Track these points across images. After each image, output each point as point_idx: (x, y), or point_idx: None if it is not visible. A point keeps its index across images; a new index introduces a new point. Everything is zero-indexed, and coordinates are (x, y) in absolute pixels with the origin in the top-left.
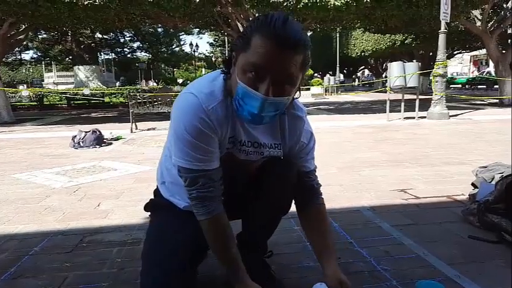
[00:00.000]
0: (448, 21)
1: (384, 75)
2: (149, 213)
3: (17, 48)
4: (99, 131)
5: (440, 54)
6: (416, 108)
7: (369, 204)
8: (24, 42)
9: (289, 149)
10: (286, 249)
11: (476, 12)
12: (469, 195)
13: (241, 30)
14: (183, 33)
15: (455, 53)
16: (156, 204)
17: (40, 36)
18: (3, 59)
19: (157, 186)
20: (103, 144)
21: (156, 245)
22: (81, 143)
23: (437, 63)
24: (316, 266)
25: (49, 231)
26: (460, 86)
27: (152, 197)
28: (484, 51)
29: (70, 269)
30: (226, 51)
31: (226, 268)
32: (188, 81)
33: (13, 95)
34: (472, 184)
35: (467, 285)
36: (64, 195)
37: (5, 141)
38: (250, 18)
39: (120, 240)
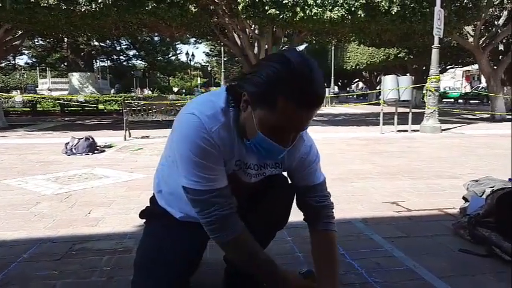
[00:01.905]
0: (441, 37)
1: (377, 88)
2: (144, 220)
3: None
4: (92, 138)
5: (433, 68)
6: (409, 122)
7: (361, 216)
8: (20, 48)
9: (288, 165)
10: (278, 260)
11: (468, 28)
12: (460, 208)
13: (258, 79)
14: (179, 42)
15: (447, 67)
16: (152, 212)
17: (36, 43)
18: None
19: (153, 194)
20: (96, 151)
21: (149, 254)
22: (73, 149)
23: (430, 77)
24: None
25: (38, 238)
26: (452, 100)
27: (146, 204)
28: (476, 66)
29: (59, 276)
30: (222, 62)
31: (262, 275)
32: (184, 90)
33: (6, 100)
34: (463, 198)
35: None
36: (55, 202)
37: None
38: (247, 30)
39: (110, 249)
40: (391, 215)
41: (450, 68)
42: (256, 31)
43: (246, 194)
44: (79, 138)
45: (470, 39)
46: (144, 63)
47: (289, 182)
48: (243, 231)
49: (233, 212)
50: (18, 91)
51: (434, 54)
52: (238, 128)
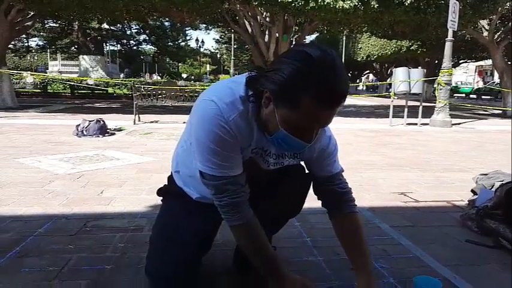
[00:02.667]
0: (455, 30)
1: (388, 80)
2: (160, 198)
3: (23, 36)
4: (103, 121)
5: (446, 62)
6: (419, 115)
7: (368, 205)
8: (31, 30)
9: (308, 156)
10: (286, 244)
11: (483, 22)
12: (468, 201)
13: (279, 77)
14: (189, 28)
15: (460, 62)
16: (169, 191)
17: (47, 25)
18: (10, 45)
19: (171, 173)
20: (106, 134)
21: (165, 232)
22: (84, 131)
23: (442, 71)
24: (316, 261)
25: (53, 214)
26: (463, 95)
27: (157, 186)
28: (489, 61)
29: (73, 251)
30: (232, 49)
31: (264, 268)
32: (192, 77)
33: (17, 81)
34: (472, 191)
35: (462, 286)
36: (67, 181)
37: (9, 126)
38: (258, 17)
39: (122, 227)
40: (399, 205)
41: (463, 63)
42: (268, 19)
43: (262, 180)
44: (90, 121)
45: (485, 34)
46: (153, 48)
47: (306, 171)
48: (252, 219)
49: (244, 200)
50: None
51: (448, 47)
52: (259, 122)
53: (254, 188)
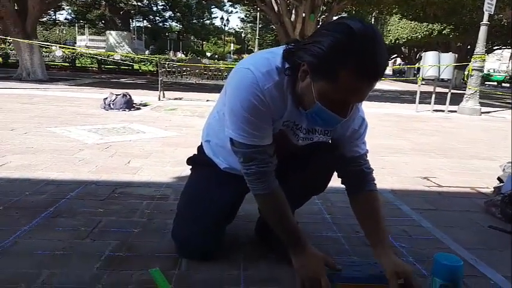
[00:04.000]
0: (492, 13)
1: (417, 65)
2: (190, 167)
3: (52, 9)
4: (130, 95)
5: (480, 47)
6: (447, 101)
7: (390, 188)
8: (60, 3)
9: (339, 135)
10: (306, 219)
11: None
12: (494, 188)
13: (318, 50)
14: (214, 6)
15: (494, 48)
16: (198, 160)
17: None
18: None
19: (201, 143)
20: (132, 109)
21: (194, 202)
22: (111, 105)
23: (475, 56)
24: (335, 237)
25: (83, 180)
26: (495, 83)
27: (181, 159)
28: None
29: (103, 214)
30: (257, 28)
31: (287, 239)
32: (216, 56)
33: (47, 54)
34: (498, 178)
35: (483, 269)
36: (96, 151)
37: (40, 97)
38: None
39: (149, 195)
40: (421, 189)
41: (497, 49)
42: None
43: (290, 154)
44: (117, 95)
45: None
46: (179, 25)
47: (335, 151)
48: (277, 190)
49: (271, 171)
50: (57, 46)
51: (482, 31)
52: (293, 95)
53: (282, 161)
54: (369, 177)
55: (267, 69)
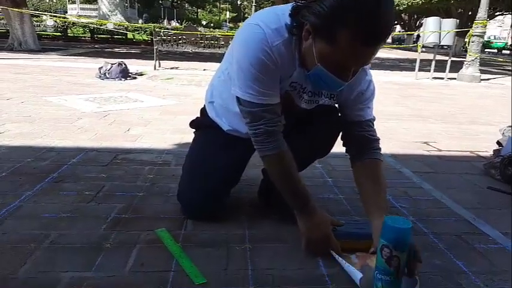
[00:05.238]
0: None
1: (417, 32)
2: (193, 130)
3: None
4: (125, 64)
5: (482, 12)
6: (447, 69)
7: (390, 152)
8: None
9: (345, 98)
10: (308, 182)
11: None
12: (493, 151)
13: (320, 9)
14: None
15: (496, 14)
16: (201, 123)
17: None
18: None
19: (204, 106)
20: (128, 78)
21: (199, 164)
22: (107, 74)
23: (476, 21)
24: (336, 198)
25: (84, 147)
26: (495, 50)
27: (180, 127)
28: None
29: (106, 179)
30: None
31: (294, 201)
32: (212, 24)
33: (38, 23)
34: (498, 142)
35: (482, 227)
36: (95, 119)
37: (34, 67)
38: None
39: (150, 160)
40: (421, 153)
41: (499, 15)
42: None
43: (295, 116)
44: (112, 64)
45: None
46: None
47: (339, 114)
48: (286, 150)
49: (279, 131)
50: (48, 15)
51: None
52: (300, 56)
53: (286, 125)
54: (373, 144)
55: (277, 26)
